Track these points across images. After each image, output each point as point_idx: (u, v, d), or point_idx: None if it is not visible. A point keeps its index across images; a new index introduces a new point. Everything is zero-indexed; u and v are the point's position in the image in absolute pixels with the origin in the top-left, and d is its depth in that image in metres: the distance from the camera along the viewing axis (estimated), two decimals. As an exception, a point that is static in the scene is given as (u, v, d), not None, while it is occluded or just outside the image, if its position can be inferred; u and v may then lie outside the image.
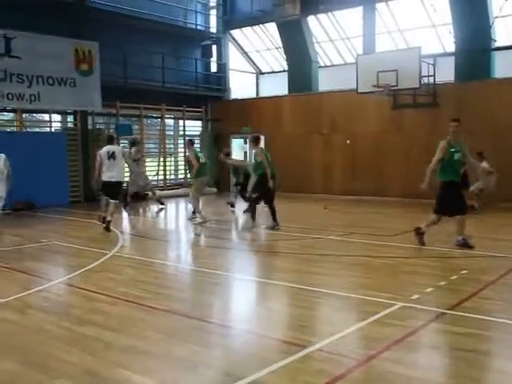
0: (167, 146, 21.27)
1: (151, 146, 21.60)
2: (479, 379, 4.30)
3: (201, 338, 5.16)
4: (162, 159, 20.72)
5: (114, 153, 11.42)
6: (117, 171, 11.55)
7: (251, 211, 12.26)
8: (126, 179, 14.53)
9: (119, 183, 11.88)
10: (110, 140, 11.92)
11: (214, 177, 21.69)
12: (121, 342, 4.99)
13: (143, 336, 5.17)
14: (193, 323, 5.61)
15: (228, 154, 16.35)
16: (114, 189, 11.57)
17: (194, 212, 13.18)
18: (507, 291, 6.77)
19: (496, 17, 16.99)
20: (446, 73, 16.93)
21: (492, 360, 4.77)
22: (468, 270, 7.73)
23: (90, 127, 18.35)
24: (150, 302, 6.29)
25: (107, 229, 11.32)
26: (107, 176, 11.40)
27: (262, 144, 13.92)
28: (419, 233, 9.57)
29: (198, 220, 12.73)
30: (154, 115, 21.07)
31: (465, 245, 9.22)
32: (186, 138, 19.29)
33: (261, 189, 11.86)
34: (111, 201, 11.49)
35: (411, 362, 4.53)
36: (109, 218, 11.42)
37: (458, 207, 9.16)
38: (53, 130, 18.31)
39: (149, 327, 5.44)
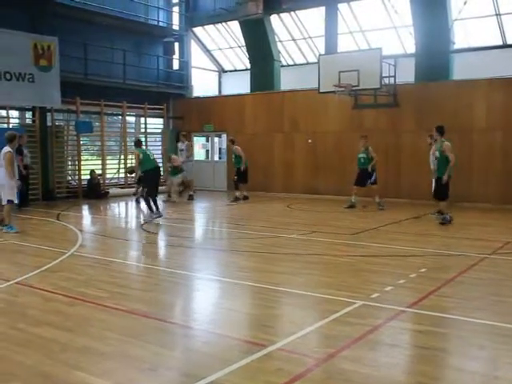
0: (128, 143, 20.97)
1: (112, 143, 21.29)
2: (437, 376, 4.35)
3: (161, 339, 5.09)
4: (122, 157, 20.47)
5: None
6: None
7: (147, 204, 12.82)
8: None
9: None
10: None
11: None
12: (78, 343, 4.89)
13: (101, 337, 5.07)
14: (152, 323, 5.53)
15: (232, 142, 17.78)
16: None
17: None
18: (464, 289, 6.88)
19: (455, 19, 17.30)
20: (407, 74, 17.15)
21: (449, 357, 4.83)
22: (427, 269, 7.84)
23: (49, 124, 17.98)
24: (109, 301, 6.18)
25: None
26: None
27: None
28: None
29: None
30: (115, 112, 20.78)
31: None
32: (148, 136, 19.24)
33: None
34: None
35: (370, 360, 4.55)
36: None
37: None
38: (10, 126, 17.85)
39: (107, 328, 5.33)
